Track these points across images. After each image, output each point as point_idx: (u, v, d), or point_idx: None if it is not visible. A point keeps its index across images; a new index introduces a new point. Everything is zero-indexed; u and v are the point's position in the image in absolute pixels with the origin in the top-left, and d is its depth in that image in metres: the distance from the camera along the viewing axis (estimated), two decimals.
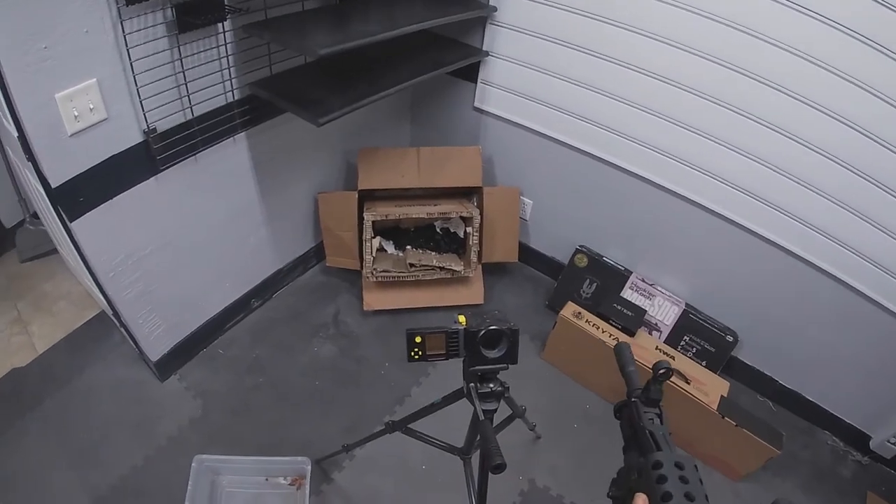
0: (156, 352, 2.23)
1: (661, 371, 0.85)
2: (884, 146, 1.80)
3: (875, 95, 1.74)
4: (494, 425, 1.45)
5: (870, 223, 1.96)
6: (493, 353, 1.13)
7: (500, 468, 0.98)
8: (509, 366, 1.16)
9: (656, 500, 0.56)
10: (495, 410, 1.21)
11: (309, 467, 1.92)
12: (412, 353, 1.14)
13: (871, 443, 2.43)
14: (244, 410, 2.24)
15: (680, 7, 1.91)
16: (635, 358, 2.12)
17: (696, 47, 1.95)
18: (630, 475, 0.66)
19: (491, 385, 1.18)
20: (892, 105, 1.73)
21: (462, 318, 1.14)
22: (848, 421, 2.48)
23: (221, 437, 2.14)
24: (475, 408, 1.16)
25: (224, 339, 2.48)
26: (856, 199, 1.95)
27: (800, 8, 1.72)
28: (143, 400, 2.23)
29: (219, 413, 2.22)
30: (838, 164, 1.90)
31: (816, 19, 1.71)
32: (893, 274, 2.02)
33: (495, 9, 2.28)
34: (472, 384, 1.18)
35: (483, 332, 1.11)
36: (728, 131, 2.06)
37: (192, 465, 1.87)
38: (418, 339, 1.13)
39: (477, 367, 1.15)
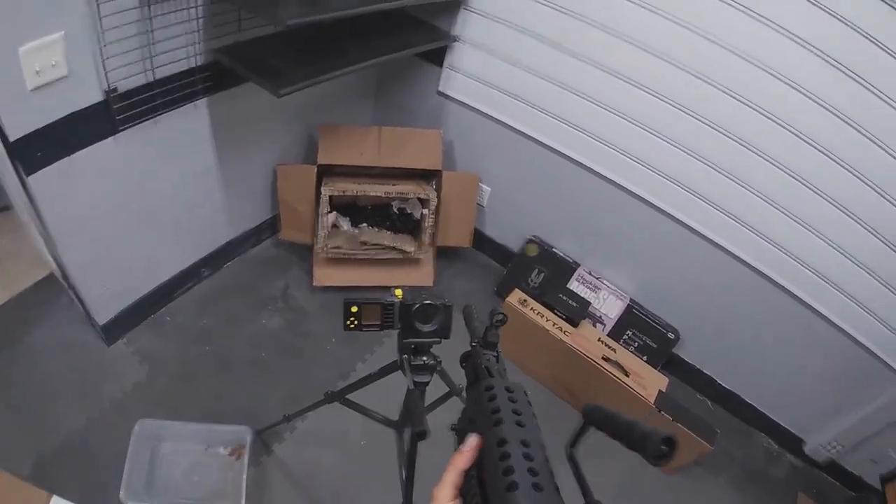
0: (103, 315, 2.21)
1: (497, 317, 0.95)
2: (831, 158, 1.88)
3: (833, 113, 1.82)
4: (431, 402, 1.49)
5: (814, 233, 2.04)
6: (426, 328, 1.16)
7: (422, 435, 1.00)
8: (443, 341, 1.20)
9: (487, 416, 0.60)
10: (427, 383, 1.24)
11: (249, 437, 1.93)
12: (348, 322, 1.16)
13: (804, 447, 2.51)
14: (189, 378, 2.23)
15: (656, 13, 1.95)
16: (577, 348, 2.18)
17: (665, 53, 2.00)
18: (470, 409, 0.70)
19: (424, 358, 1.21)
20: (844, 121, 1.81)
21: (398, 292, 1.17)
22: (784, 425, 2.56)
23: (165, 403, 2.13)
24: (409, 379, 1.19)
25: (172, 307, 2.46)
26: (801, 208, 2.03)
27: (770, 23, 1.78)
28: (88, 362, 2.21)
29: (163, 379, 2.21)
30: (785, 171, 1.98)
31: (783, 34, 1.79)
32: (833, 284, 2.10)
33: None
34: (405, 356, 1.21)
35: (417, 306, 1.14)
36: (686, 136, 2.11)
37: (135, 428, 1.86)
38: (354, 309, 1.15)
39: (410, 340, 1.18)
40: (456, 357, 0.87)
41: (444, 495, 0.59)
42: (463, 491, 0.60)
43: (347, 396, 1.61)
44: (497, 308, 0.94)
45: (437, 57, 2.54)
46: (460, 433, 0.69)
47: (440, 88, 2.64)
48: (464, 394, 0.93)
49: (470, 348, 0.91)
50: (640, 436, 0.55)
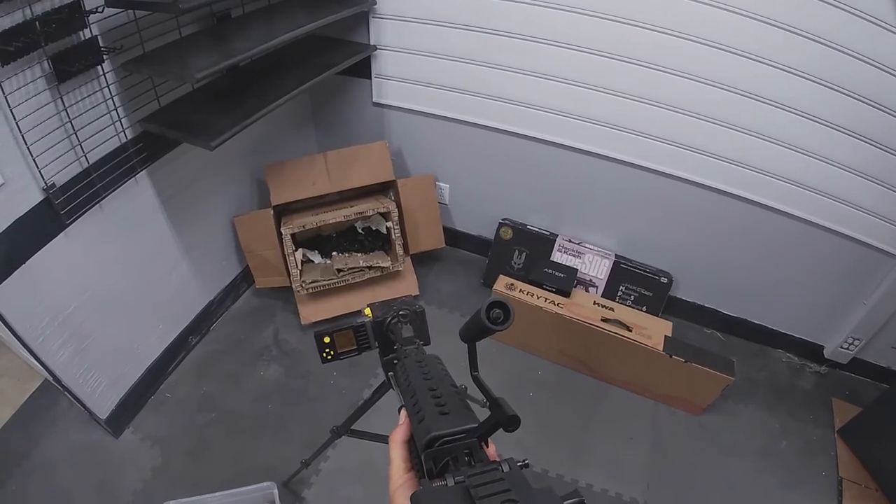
0: (104, 409, 2.18)
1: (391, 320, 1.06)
2: (767, 64, 1.88)
3: (759, 20, 1.81)
4: None
5: (770, 141, 2.04)
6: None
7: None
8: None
9: (404, 390, 0.71)
10: None
11: (276, 491, 1.90)
12: (324, 354, 1.13)
13: (825, 352, 2.52)
14: (203, 449, 2.20)
15: None
16: (574, 317, 2.16)
17: (579, 6, 2.00)
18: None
19: None
20: (773, 25, 1.80)
21: (368, 311, 1.14)
22: (798, 336, 2.57)
23: (186, 480, 2.11)
24: (398, 395, 1.16)
25: (169, 382, 2.43)
26: (752, 120, 2.02)
27: None
28: (102, 460, 2.18)
29: (179, 457, 2.18)
30: (726, 90, 1.98)
31: None
32: (801, 185, 2.10)
33: (375, 2, 2.28)
34: (389, 373, 1.18)
35: (389, 319, 1.11)
36: (620, 81, 2.11)
37: None
38: (327, 340, 1.12)
39: (392, 356, 1.15)
40: (443, 357, 0.85)
41: (395, 473, 0.62)
42: (413, 462, 0.62)
43: (353, 427, 1.58)
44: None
45: (363, 70, 2.53)
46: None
47: (375, 99, 2.63)
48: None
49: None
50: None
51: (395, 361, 0.87)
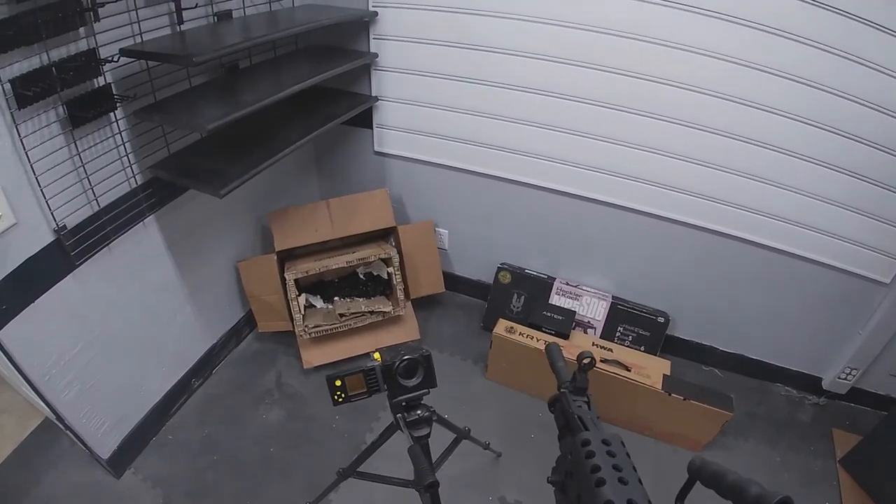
0: (106, 449, 2.18)
1: (585, 361, 0.90)
2: (746, 105, 1.96)
3: (737, 63, 1.89)
4: (444, 450, 1.49)
5: (755, 180, 2.11)
6: (411, 382, 1.17)
7: (431, 487, 1.01)
8: (430, 391, 1.21)
9: (586, 475, 0.59)
10: (428, 435, 1.24)
11: None
12: (335, 397, 1.17)
13: (823, 383, 2.54)
14: (204, 491, 2.19)
15: (544, 22, 2.04)
16: (573, 359, 2.18)
17: (556, 55, 2.09)
18: (566, 459, 0.68)
19: (418, 412, 1.22)
20: (747, 67, 1.88)
21: (377, 355, 1.18)
22: (795, 369, 2.59)
23: None
24: (407, 436, 1.20)
25: (172, 424, 2.43)
26: (737, 160, 2.10)
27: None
28: (102, 500, 2.17)
29: (180, 499, 2.17)
30: (706, 131, 2.06)
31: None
32: (789, 221, 2.16)
33: (376, 55, 2.37)
34: (398, 415, 1.22)
35: (398, 363, 1.15)
36: (612, 128, 2.18)
37: None
38: (338, 383, 1.16)
39: (400, 398, 1.19)
40: (445, 400, 0.86)
41: None
42: None
43: (359, 469, 1.60)
44: (585, 352, 0.90)
45: (365, 119, 2.60)
46: (557, 485, 0.68)
47: (376, 148, 2.70)
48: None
49: (558, 393, 0.88)
50: (753, 501, 0.52)
51: (575, 428, 0.77)
